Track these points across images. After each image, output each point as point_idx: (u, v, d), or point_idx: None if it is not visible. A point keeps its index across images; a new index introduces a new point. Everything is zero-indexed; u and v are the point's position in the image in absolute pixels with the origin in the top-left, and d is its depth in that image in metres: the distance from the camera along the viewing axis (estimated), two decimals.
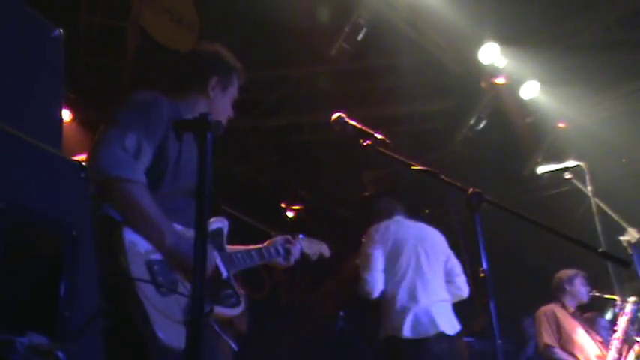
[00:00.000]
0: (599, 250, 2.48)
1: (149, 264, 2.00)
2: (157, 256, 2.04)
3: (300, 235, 2.85)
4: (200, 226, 1.55)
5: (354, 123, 2.81)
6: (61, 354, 1.22)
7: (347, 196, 8.29)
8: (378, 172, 7.87)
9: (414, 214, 8.51)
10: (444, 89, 6.61)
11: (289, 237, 2.81)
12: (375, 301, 6.99)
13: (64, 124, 5.51)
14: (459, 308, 4.96)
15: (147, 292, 1.93)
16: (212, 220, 2.39)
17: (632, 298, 4.47)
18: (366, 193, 8.14)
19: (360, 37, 5.05)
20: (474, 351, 6.36)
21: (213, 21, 5.61)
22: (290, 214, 8.14)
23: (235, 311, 2.32)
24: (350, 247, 9.25)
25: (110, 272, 1.87)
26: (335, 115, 2.83)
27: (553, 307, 4.98)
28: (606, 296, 4.78)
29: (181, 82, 2.47)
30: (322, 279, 8.31)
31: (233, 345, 2.50)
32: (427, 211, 8.54)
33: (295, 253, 2.77)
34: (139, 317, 1.88)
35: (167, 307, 1.98)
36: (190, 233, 2.13)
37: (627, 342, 4.61)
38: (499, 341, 2.38)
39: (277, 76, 6.78)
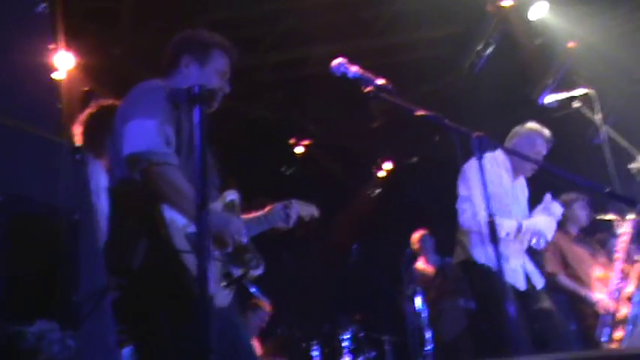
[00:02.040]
0: (606, 190, 2.48)
1: (187, 237, 2.21)
2: (192, 228, 2.21)
3: (292, 200, 2.99)
4: (202, 202, 1.56)
5: (354, 69, 2.76)
6: (71, 341, 1.25)
7: (356, 128, 8.23)
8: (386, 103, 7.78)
9: (425, 143, 8.55)
10: (450, 15, 6.42)
11: (287, 202, 2.99)
12: (385, 235, 7.04)
13: (68, 71, 5.45)
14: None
15: (190, 261, 2.13)
16: (226, 192, 2.63)
17: (630, 216, 4.48)
18: (375, 124, 8.07)
19: None
20: None
21: None
22: (299, 150, 8.14)
23: (257, 272, 2.58)
24: (360, 179, 9.34)
25: (154, 247, 2.14)
26: (335, 62, 2.79)
27: (555, 236, 5.00)
28: (606, 218, 4.79)
29: (165, 67, 2.67)
30: (335, 211, 8.39)
31: (265, 300, 2.71)
32: (437, 138, 8.51)
33: (294, 216, 2.97)
34: (191, 284, 2.08)
35: (208, 272, 2.20)
36: (213, 206, 2.43)
37: (629, 261, 4.66)
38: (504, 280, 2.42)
39: (279, 9, 6.62)
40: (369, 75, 2.74)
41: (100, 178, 3.13)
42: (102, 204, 3.10)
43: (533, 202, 4.11)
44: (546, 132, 4.07)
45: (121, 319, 2.25)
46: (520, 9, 5.86)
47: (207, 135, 2.45)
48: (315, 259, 7.49)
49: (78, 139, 3.31)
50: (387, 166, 9.05)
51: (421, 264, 6.73)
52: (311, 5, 6.51)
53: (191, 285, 2.08)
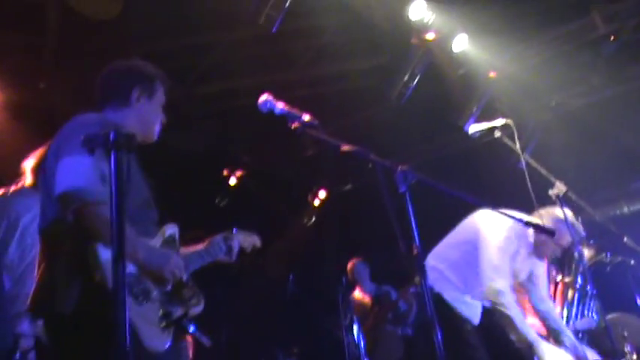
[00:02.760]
0: (525, 221, 2.59)
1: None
2: (130, 268, 2.18)
3: (234, 230, 2.91)
4: (118, 244, 1.53)
5: (281, 105, 2.80)
6: None
7: (289, 157, 8.27)
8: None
9: (359, 170, 8.65)
10: (376, 47, 6.60)
11: (227, 233, 2.90)
12: (321, 264, 7.03)
13: None
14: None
15: (129, 304, 2.06)
16: (166, 226, 2.54)
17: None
18: (308, 153, 8.13)
19: (287, 4, 4.95)
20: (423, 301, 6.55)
21: None
22: (233, 181, 8.09)
23: (198, 309, 2.51)
24: (295, 209, 9.35)
25: (88, 291, 2.05)
26: (261, 98, 2.82)
27: None
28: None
29: (106, 99, 2.55)
30: (270, 242, 8.35)
31: (205, 341, 2.65)
32: (370, 166, 8.61)
33: (236, 248, 2.89)
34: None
35: (145, 314, 2.18)
36: (153, 242, 2.38)
37: (551, 282, 4.86)
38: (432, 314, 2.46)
39: (207, 41, 6.63)
40: (295, 111, 2.78)
41: (37, 214, 3.02)
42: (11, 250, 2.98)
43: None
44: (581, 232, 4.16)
45: None
46: (443, 41, 6.07)
47: (137, 172, 2.42)
48: (250, 291, 7.41)
49: (27, 177, 3.20)
50: (322, 194, 9.09)
51: (357, 292, 6.77)
52: (239, 38, 6.55)
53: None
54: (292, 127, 2.74)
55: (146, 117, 2.59)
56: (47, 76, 6.25)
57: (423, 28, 5.84)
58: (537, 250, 4.19)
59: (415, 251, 2.43)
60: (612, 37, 6.32)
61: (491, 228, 4.06)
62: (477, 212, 4.38)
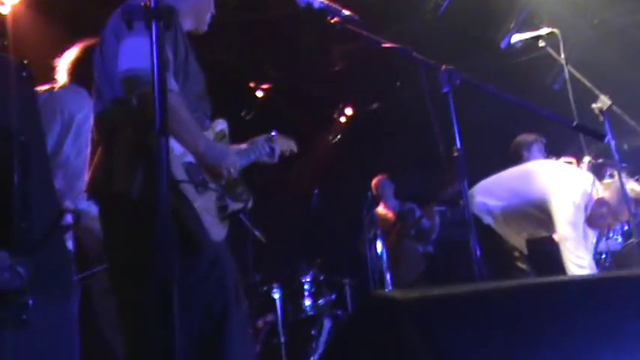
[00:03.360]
0: (574, 123, 2.46)
1: (185, 166, 2.13)
2: (188, 158, 2.16)
3: (273, 133, 2.86)
4: (161, 120, 1.45)
5: None
6: (21, 269, 1.16)
7: (317, 72, 8.09)
8: (347, 46, 7.63)
9: (386, 88, 8.48)
10: None
11: (268, 135, 2.87)
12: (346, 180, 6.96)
13: (14, 6, 5.14)
14: (433, 179, 4.98)
15: (189, 191, 2.08)
16: (216, 121, 2.52)
17: (586, 159, 4.52)
18: (337, 69, 7.94)
19: None
20: (447, 220, 6.55)
21: None
22: (259, 94, 7.96)
23: (249, 205, 2.50)
24: (321, 125, 9.24)
25: (151, 176, 1.90)
26: None
27: None
28: (564, 160, 4.83)
29: None
30: (296, 157, 8.29)
31: (259, 234, 2.65)
32: (398, 84, 8.45)
33: (277, 150, 2.87)
34: (188, 215, 2.05)
35: (204, 204, 2.16)
36: (208, 135, 2.33)
37: None
38: (470, 216, 2.41)
39: None
40: (335, 6, 2.65)
41: (89, 112, 2.98)
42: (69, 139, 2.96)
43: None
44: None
45: (111, 248, 2.15)
46: None
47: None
48: (275, 204, 7.43)
49: (62, 76, 3.14)
50: (348, 111, 8.96)
51: (381, 209, 6.76)
52: None
53: (189, 216, 2.04)
54: (332, 22, 2.60)
55: (199, 4, 2.53)
56: None
57: None
58: (593, 220, 4.08)
59: (456, 153, 2.33)
60: None
61: (553, 194, 3.98)
62: (537, 166, 4.32)
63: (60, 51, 3.35)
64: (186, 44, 2.27)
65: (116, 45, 2.13)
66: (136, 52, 2.04)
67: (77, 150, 2.95)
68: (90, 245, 3.09)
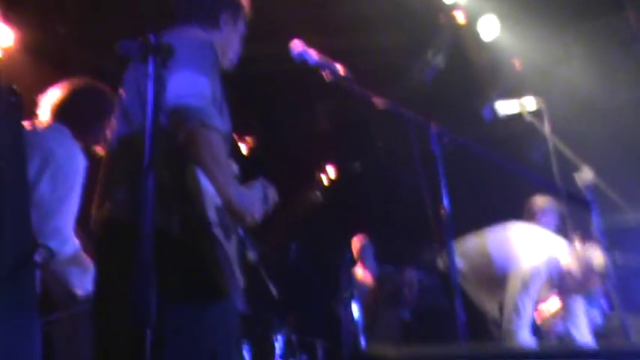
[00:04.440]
0: (563, 189, 2.47)
1: (216, 208, 2.04)
2: (218, 200, 2.05)
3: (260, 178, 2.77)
4: (150, 154, 1.41)
5: (315, 54, 2.70)
6: None
7: (300, 129, 8.15)
8: (332, 105, 7.73)
9: (368, 148, 8.56)
10: (402, 22, 6.44)
11: (263, 182, 2.75)
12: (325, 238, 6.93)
13: (7, 50, 5.15)
14: (414, 241, 4.95)
15: (220, 236, 1.99)
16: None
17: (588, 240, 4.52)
18: (320, 127, 8.01)
19: None
20: (425, 285, 6.48)
21: None
22: (242, 147, 7.97)
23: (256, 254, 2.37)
24: (302, 181, 9.25)
25: (191, 212, 1.92)
26: (295, 45, 2.72)
27: None
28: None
29: (193, 16, 2.43)
30: (276, 211, 8.23)
31: (274, 289, 2.59)
32: (380, 145, 8.52)
33: (271, 198, 2.62)
34: (221, 260, 1.96)
35: (231, 250, 2.08)
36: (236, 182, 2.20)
37: None
38: (457, 279, 2.38)
39: None
40: (329, 62, 2.68)
41: (70, 151, 2.93)
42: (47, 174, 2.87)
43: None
44: None
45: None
46: (471, 23, 5.93)
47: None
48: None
49: (45, 114, 3.10)
50: (331, 170, 9.00)
51: (359, 270, 6.69)
52: (261, 1, 6.39)
53: (221, 262, 1.96)
54: (324, 76, 2.62)
55: (229, 44, 2.51)
56: (68, 23, 6.13)
57: (453, 6, 5.69)
58: (561, 288, 4.10)
59: (442, 212, 2.32)
60: None
61: (525, 262, 3.98)
62: (513, 227, 4.35)
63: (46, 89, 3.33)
64: (220, 81, 2.23)
65: (167, 73, 2.01)
66: (191, 86, 2.01)
67: (52, 188, 2.86)
68: (56, 290, 2.98)
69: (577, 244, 4.34)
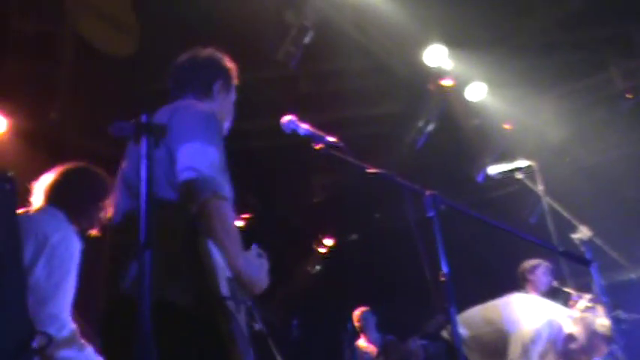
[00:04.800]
0: (561, 249, 2.46)
1: (227, 281, 1.98)
2: (228, 272, 2.00)
3: (254, 245, 2.73)
4: (146, 231, 1.41)
5: (305, 126, 2.73)
6: None
7: (297, 202, 8.17)
8: (327, 177, 7.79)
9: (365, 220, 8.56)
10: (391, 92, 6.59)
11: (259, 251, 2.71)
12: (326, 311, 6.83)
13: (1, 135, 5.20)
14: (415, 310, 4.89)
15: (233, 308, 1.93)
16: None
17: (587, 296, 4.49)
18: (316, 199, 8.04)
19: (306, 39, 4.95)
20: (430, 354, 6.34)
21: (153, 27, 5.43)
22: (240, 223, 7.95)
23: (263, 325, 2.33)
24: (300, 254, 9.20)
25: (202, 285, 1.87)
26: (286, 118, 2.76)
27: None
28: (565, 289, 4.79)
29: (187, 86, 2.48)
30: (273, 286, 8.15)
31: None
32: (377, 215, 8.54)
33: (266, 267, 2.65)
34: (236, 335, 1.89)
35: (242, 323, 2.01)
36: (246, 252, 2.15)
37: None
38: (460, 346, 2.34)
39: None
40: (319, 132, 2.71)
41: (65, 235, 2.90)
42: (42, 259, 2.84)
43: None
44: None
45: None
46: (459, 89, 6.06)
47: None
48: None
49: (38, 199, 3.10)
50: (328, 242, 8.97)
51: (362, 342, 6.56)
52: (254, 78, 6.54)
53: (237, 337, 1.88)
54: (316, 148, 2.65)
55: (224, 112, 2.53)
56: (59, 107, 6.21)
57: (441, 74, 5.83)
58: (567, 356, 4.04)
59: (443, 278, 2.29)
60: (629, 95, 6.30)
61: (526, 324, 3.97)
62: (515, 295, 4.35)
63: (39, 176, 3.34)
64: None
65: (177, 144, 2.08)
66: (203, 157, 2.03)
67: (48, 273, 2.83)
68: None
69: (581, 308, 4.30)
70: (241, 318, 2.01)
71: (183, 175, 2.00)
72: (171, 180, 2.06)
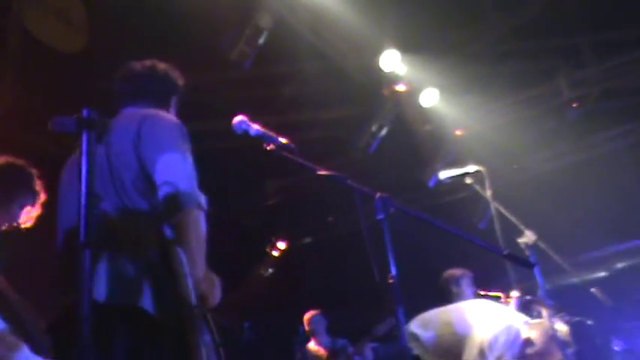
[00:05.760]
0: (505, 252, 2.50)
1: (195, 290, 2.03)
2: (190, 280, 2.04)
3: None
4: (87, 229, 1.37)
5: (256, 127, 2.71)
6: None
7: (250, 205, 8.11)
8: (281, 181, 7.76)
9: (319, 223, 8.57)
10: (346, 96, 6.60)
11: None
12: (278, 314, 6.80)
13: None
14: (367, 313, 4.91)
15: (199, 317, 1.99)
16: None
17: (514, 293, 4.57)
18: (270, 202, 8.00)
19: (261, 40, 4.92)
20: (380, 356, 6.38)
21: (104, 24, 5.31)
22: None
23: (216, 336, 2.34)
24: (253, 257, 9.14)
25: (173, 293, 1.92)
26: (237, 119, 2.73)
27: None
28: (492, 294, 4.84)
29: (146, 95, 2.52)
30: (226, 290, 8.07)
31: None
32: (330, 219, 8.56)
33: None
34: (202, 346, 1.92)
35: (207, 332, 2.08)
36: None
37: None
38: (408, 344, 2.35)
39: None
40: (271, 133, 2.69)
41: None
42: None
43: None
44: None
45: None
46: (413, 94, 6.12)
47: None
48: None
49: None
50: (281, 245, 8.94)
51: (313, 345, 6.55)
52: (208, 80, 6.48)
53: (209, 345, 1.97)
54: (268, 149, 2.63)
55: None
56: (5, 103, 6.02)
57: (395, 79, 5.88)
58: (525, 356, 4.08)
59: (391, 280, 2.30)
60: (575, 104, 6.47)
61: (484, 328, 4.01)
62: (474, 301, 4.38)
63: None
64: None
65: (132, 154, 2.12)
66: (182, 170, 2.10)
67: None
68: None
69: (543, 314, 4.38)
70: (205, 327, 2.05)
71: (164, 190, 2.05)
72: (140, 187, 2.11)
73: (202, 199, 2.12)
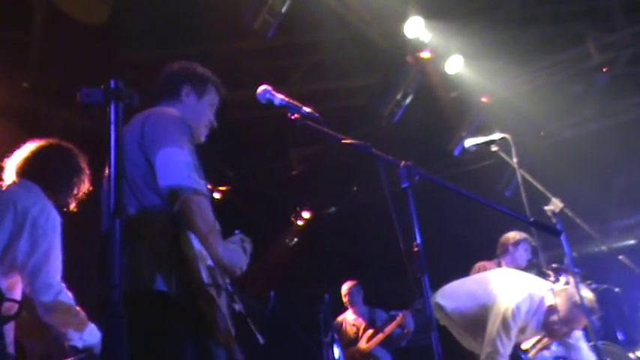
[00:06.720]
0: (531, 220, 2.48)
1: (208, 269, 2.18)
2: (210, 261, 2.20)
3: (237, 231, 2.76)
4: (116, 198, 1.39)
5: (280, 96, 2.71)
6: None
7: (274, 175, 8.15)
8: (305, 150, 7.77)
9: (343, 193, 8.57)
10: (370, 64, 6.55)
11: (242, 236, 2.72)
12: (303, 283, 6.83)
13: None
14: (395, 285, 4.92)
15: (214, 294, 2.13)
16: None
17: (563, 278, 4.52)
18: (294, 172, 8.02)
19: (283, 9, 4.88)
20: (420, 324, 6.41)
21: None
22: (217, 196, 7.93)
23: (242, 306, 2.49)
24: (278, 227, 9.20)
25: (186, 275, 2.08)
26: (261, 88, 2.73)
27: (486, 265, 5.04)
28: (543, 269, 4.82)
29: (160, 95, 2.64)
30: (253, 259, 8.16)
31: (260, 337, 2.64)
32: (355, 188, 8.56)
33: (249, 250, 2.69)
34: (220, 319, 2.10)
35: (223, 306, 2.20)
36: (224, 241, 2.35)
37: None
38: (433, 314, 2.36)
39: (199, 52, 6.52)
40: (295, 102, 2.69)
41: (44, 208, 2.88)
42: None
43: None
44: None
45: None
46: (438, 61, 6.04)
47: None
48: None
49: (10, 174, 3.05)
50: (306, 215, 8.98)
51: (350, 314, 6.62)
52: (231, 50, 6.47)
53: (220, 320, 2.10)
54: (292, 118, 2.63)
55: (193, 115, 2.60)
56: (32, 76, 6.08)
57: (419, 46, 5.80)
58: (547, 329, 4.08)
59: (416, 249, 2.31)
60: (605, 69, 6.33)
61: (506, 298, 3.99)
62: (496, 270, 4.36)
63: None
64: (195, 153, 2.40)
65: (139, 153, 2.27)
66: (179, 161, 2.20)
67: (32, 244, 2.83)
68: (32, 348, 2.94)
69: (567, 281, 4.35)
70: (222, 302, 2.18)
71: (162, 183, 2.20)
72: (150, 182, 2.25)
73: (200, 185, 2.21)
